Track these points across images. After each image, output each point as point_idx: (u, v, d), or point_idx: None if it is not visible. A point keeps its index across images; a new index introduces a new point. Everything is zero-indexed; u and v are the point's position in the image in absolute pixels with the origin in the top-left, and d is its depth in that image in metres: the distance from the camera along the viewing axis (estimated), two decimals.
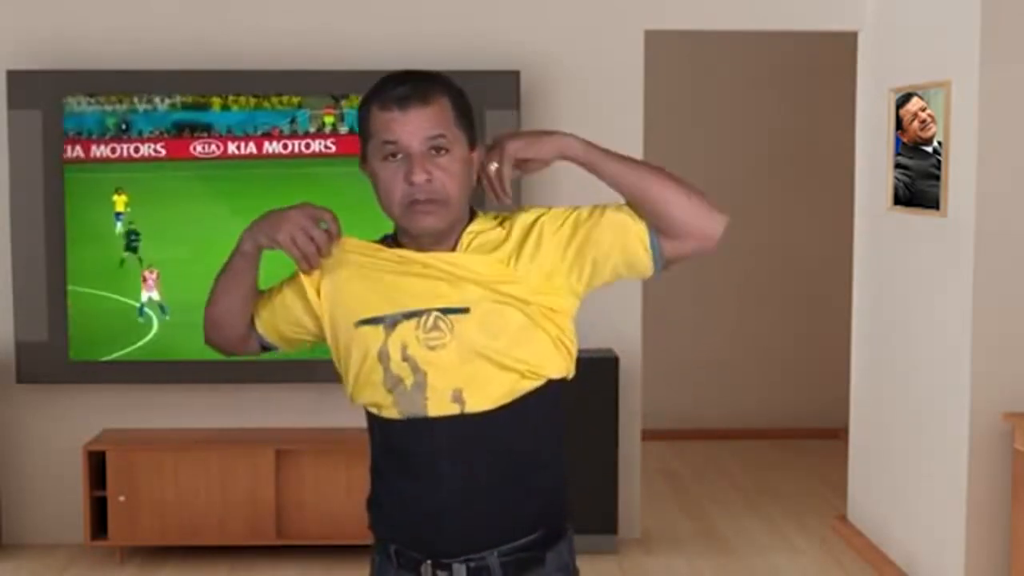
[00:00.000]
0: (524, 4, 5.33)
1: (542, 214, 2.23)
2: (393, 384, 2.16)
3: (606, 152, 2.19)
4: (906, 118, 4.87)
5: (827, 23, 5.40)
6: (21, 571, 5.13)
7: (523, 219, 2.23)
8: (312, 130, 5.14)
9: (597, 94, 5.38)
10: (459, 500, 2.17)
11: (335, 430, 5.36)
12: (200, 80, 5.11)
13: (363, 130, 2.19)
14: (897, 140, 4.97)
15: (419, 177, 2.11)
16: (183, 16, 5.27)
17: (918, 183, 4.76)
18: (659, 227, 2.16)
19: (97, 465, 5.15)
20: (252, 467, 5.13)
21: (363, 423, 5.43)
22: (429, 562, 2.20)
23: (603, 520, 5.26)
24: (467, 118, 2.20)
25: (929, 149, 4.65)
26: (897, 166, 4.98)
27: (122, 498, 5.11)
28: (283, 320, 2.33)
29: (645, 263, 2.19)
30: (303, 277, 2.28)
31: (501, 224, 2.24)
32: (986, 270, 4.32)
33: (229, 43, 5.27)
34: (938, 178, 4.57)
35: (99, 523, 5.20)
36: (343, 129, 5.15)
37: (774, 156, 7.39)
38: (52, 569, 5.15)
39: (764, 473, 6.69)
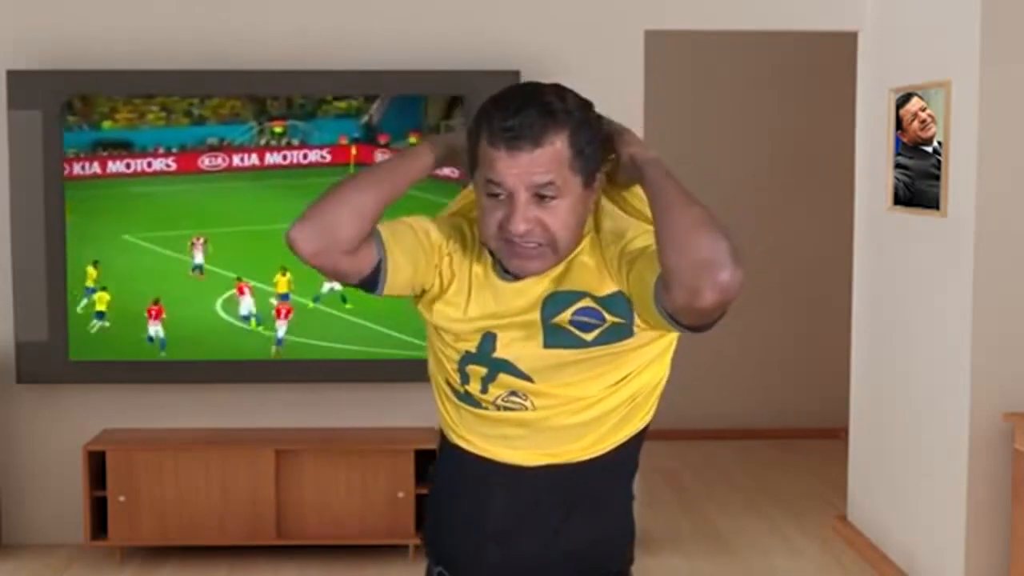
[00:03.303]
0: (524, 4, 5.33)
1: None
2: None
3: (663, 171, 1.95)
4: (906, 118, 4.87)
5: (827, 23, 5.40)
6: (21, 571, 5.13)
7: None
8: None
9: (597, 94, 5.35)
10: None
11: (335, 430, 5.36)
12: (200, 80, 5.11)
13: (471, 150, 2.03)
14: (897, 140, 4.97)
15: (519, 228, 1.96)
16: (183, 16, 5.27)
17: (918, 183, 4.76)
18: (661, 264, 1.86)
19: (97, 465, 5.15)
20: (252, 467, 5.13)
21: (360, 424, 5.43)
22: None
23: None
24: (585, 153, 1.97)
25: (929, 149, 4.65)
26: (897, 166, 4.98)
27: (122, 498, 5.11)
28: (402, 239, 2.08)
29: (649, 304, 1.93)
30: (435, 235, 2.11)
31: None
32: (986, 270, 4.32)
33: (229, 43, 5.27)
34: (938, 178, 4.57)
35: (99, 523, 5.20)
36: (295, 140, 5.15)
37: (774, 156, 7.39)
38: (52, 569, 5.15)
39: (764, 473, 6.69)
